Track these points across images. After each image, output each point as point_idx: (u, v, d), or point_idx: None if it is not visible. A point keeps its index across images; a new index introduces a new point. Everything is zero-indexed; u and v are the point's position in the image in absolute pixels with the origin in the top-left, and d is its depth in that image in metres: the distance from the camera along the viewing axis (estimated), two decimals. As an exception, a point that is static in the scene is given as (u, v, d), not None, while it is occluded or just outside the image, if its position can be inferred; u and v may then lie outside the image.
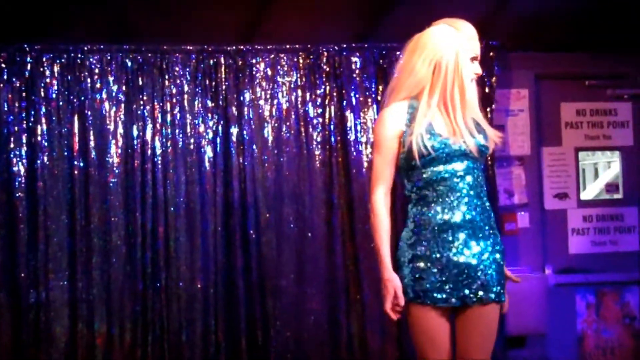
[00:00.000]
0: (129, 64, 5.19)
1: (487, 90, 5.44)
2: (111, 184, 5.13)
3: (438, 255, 3.29)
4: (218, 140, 5.26)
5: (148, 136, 5.19)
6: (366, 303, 5.28)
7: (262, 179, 5.26)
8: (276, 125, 5.32)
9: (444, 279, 3.28)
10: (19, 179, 5.05)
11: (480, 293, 3.30)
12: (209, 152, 5.24)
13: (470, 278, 3.29)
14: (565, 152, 5.93)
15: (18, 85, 5.08)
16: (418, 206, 3.34)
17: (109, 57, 5.16)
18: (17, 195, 5.04)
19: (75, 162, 5.11)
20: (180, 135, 5.22)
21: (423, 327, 3.31)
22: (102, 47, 5.15)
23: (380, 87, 5.37)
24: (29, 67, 5.08)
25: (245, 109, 5.28)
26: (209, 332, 5.15)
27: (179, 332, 5.13)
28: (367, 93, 5.37)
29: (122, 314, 5.09)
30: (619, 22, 5.36)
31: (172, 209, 5.17)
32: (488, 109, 5.46)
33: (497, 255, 3.35)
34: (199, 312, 5.15)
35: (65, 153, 5.11)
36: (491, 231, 3.36)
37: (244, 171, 5.26)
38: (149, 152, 5.18)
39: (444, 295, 3.28)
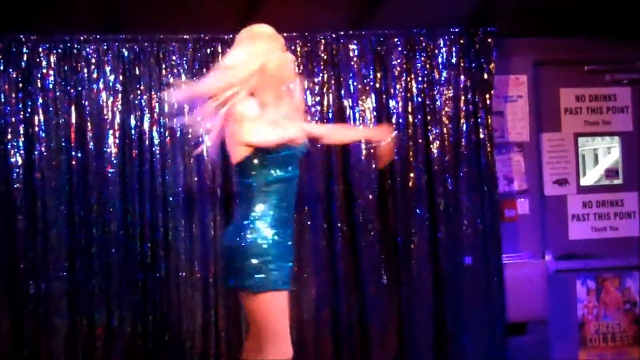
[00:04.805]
0: (126, 53, 5.16)
1: (485, 76, 5.42)
2: (109, 174, 5.11)
3: (284, 245, 3.54)
4: (216, 129, 5.23)
5: (146, 126, 5.17)
6: (366, 291, 5.27)
7: (260, 167, 5.24)
8: (274, 113, 5.29)
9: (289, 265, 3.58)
10: (17, 170, 5.03)
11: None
12: (207, 141, 5.21)
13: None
14: (564, 138, 5.91)
15: (14, 76, 5.05)
16: (265, 203, 3.52)
17: (105, 47, 5.14)
18: (15, 186, 5.02)
19: (73, 153, 5.09)
20: (178, 125, 5.20)
21: (284, 311, 3.51)
22: (98, 36, 5.13)
23: (379, 75, 5.36)
24: (25, 57, 5.06)
25: (243, 97, 5.25)
26: (209, 322, 5.14)
27: (179, 323, 5.12)
28: (365, 81, 5.34)
29: (121, 304, 5.08)
30: (618, 6, 5.33)
31: (170, 198, 5.15)
32: (487, 95, 5.44)
33: None
34: (199, 302, 5.14)
35: (63, 144, 5.09)
36: None
37: (243, 160, 5.23)
38: (147, 142, 5.16)
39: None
